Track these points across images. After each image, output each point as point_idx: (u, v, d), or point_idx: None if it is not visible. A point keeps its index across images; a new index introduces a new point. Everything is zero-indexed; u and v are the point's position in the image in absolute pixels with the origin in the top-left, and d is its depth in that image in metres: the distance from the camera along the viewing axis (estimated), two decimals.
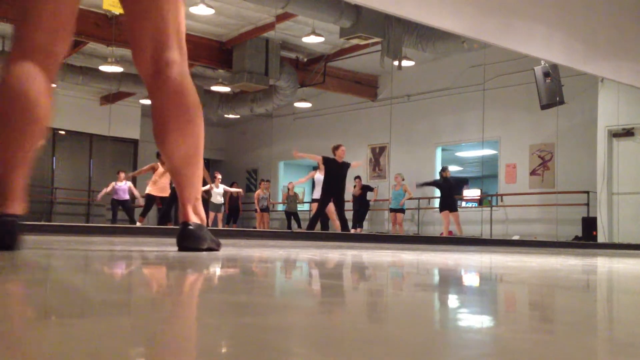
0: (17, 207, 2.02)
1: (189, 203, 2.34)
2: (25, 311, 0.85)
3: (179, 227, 2.36)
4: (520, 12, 9.21)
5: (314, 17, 12.25)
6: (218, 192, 16.23)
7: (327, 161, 11.20)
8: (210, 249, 2.40)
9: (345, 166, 11.25)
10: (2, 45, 14.83)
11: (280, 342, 0.66)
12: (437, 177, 17.46)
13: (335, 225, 11.87)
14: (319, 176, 12.15)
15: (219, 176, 16.37)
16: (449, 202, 13.96)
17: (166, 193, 11.92)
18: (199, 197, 2.40)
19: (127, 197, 14.81)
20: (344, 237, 8.63)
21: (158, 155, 11.47)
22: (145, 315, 0.85)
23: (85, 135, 19.61)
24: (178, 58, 2.27)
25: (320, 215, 11.59)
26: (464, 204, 18.95)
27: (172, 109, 2.26)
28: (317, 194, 12.41)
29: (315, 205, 12.54)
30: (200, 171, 2.39)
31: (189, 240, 2.32)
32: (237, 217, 17.89)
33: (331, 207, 11.63)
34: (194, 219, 2.33)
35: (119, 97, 17.39)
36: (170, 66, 2.26)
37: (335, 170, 11.10)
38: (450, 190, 14.12)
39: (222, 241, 2.69)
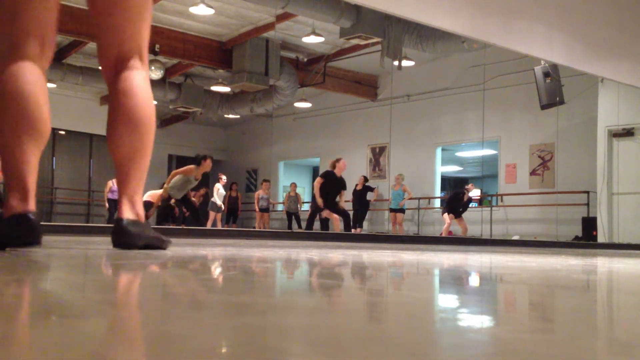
0: (34, 204, 2.17)
1: (125, 199, 2.36)
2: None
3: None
4: (520, 12, 9.21)
5: (314, 17, 12.25)
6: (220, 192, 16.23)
7: (326, 175, 11.40)
8: (150, 246, 2.39)
9: (343, 183, 11.43)
10: None
11: (280, 342, 0.66)
12: (438, 177, 17.49)
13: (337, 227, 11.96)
14: None
15: (224, 177, 16.36)
16: (457, 210, 14.01)
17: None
18: (139, 194, 2.41)
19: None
20: (344, 237, 8.63)
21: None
22: (144, 315, 0.85)
23: (85, 135, 19.61)
24: (139, 65, 2.40)
25: (314, 218, 11.74)
26: None
27: (123, 109, 2.36)
28: None
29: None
30: (142, 172, 2.42)
31: (122, 236, 2.33)
32: (236, 217, 17.90)
33: (335, 216, 11.80)
34: (128, 214, 2.34)
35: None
36: (130, 70, 2.38)
37: (334, 183, 11.32)
38: (465, 204, 14.14)
39: (222, 241, 2.69)
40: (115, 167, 2.42)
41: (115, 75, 2.39)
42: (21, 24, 2.24)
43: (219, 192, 16.04)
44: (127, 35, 2.39)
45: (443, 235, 13.36)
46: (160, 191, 11.72)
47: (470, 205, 14.64)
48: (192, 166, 10.69)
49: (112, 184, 15.26)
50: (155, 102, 20.85)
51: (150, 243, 2.39)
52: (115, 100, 2.38)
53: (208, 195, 16.91)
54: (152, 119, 2.40)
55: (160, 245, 2.45)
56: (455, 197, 14.15)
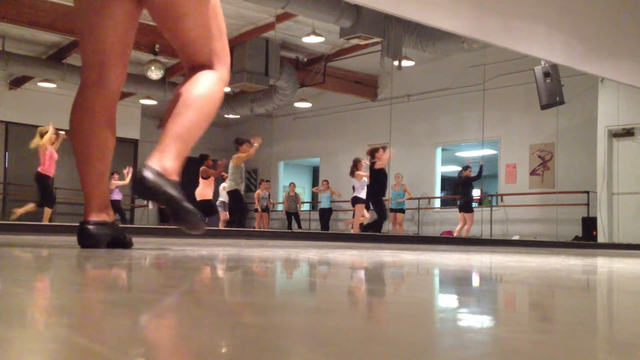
0: (101, 215, 2.45)
1: (157, 150, 2.31)
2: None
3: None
4: (520, 12, 9.21)
5: (314, 17, 12.25)
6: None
7: (375, 171, 11.49)
8: (170, 207, 2.28)
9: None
10: (2, 45, 14.84)
11: (280, 342, 0.66)
12: (438, 177, 17.48)
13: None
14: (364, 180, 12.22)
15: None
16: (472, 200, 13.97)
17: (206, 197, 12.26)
18: (176, 151, 2.30)
19: (118, 197, 15.04)
20: (344, 237, 8.64)
21: (202, 162, 11.85)
22: (144, 315, 0.85)
23: None
24: (215, 63, 2.49)
25: (385, 218, 11.68)
26: None
27: (182, 91, 2.43)
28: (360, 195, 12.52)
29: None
30: (184, 145, 2.33)
31: (141, 186, 2.25)
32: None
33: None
34: (153, 164, 2.26)
35: (119, 97, 17.37)
36: (199, 70, 2.47)
37: (382, 176, 11.54)
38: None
39: (223, 241, 2.70)
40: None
41: (188, 74, 2.51)
42: (97, 52, 2.50)
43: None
44: (189, 47, 2.50)
45: (455, 235, 13.27)
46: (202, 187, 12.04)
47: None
48: (238, 154, 11.07)
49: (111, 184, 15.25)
50: (155, 102, 20.54)
51: (167, 203, 2.24)
52: (179, 88, 2.47)
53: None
54: (204, 104, 2.40)
55: (177, 210, 2.25)
56: (468, 190, 13.89)
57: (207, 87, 2.44)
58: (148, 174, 2.20)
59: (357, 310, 1.02)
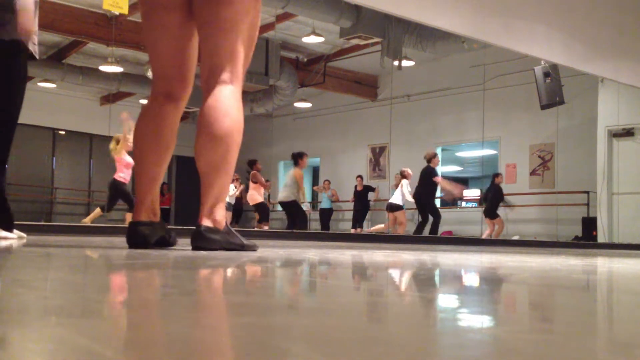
0: (150, 215, 2.66)
1: (204, 206, 2.56)
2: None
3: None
4: (520, 12, 9.21)
5: (314, 17, 12.25)
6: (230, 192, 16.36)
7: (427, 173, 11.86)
8: (230, 250, 2.61)
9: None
10: None
11: (280, 342, 0.66)
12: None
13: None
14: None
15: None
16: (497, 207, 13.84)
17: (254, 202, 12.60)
18: (219, 203, 2.59)
19: None
20: (344, 237, 8.64)
21: (251, 166, 12.02)
22: (145, 316, 0.85)
23: (85, 135, 19.58)
24: (228, 79, 2.57)
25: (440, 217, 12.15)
26: (464, 204, 18.96)
27: (204, 122, 2.55)
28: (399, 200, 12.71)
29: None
30: (224, 181, 2.60)
31: (198, 240, 2.55)
32: (239, 218, 17.91)
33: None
34: (206, 222, 2.55)
35: (119, 97, 17.39)
36: (219, 85, 2.56)
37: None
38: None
39: None
40: (200, 174, 2.60)
41: (206, 88, 2.58)
42: (161, 66, 2.67)
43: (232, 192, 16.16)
44: (218, 47, 2.58)
45: (484, 237, 13.13)
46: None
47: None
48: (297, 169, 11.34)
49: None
50: None
51: (227, 247, 2.60)
52: (200, 114, 2.57)
53: None
54: (232, 134, 2.55)
55: (242, 250, 2.64)
56: (497, 196, 13.70)
57: (233, 115, 2.56)
58: (203, 232, 2.53)
59: (358, 310, 1.02)
